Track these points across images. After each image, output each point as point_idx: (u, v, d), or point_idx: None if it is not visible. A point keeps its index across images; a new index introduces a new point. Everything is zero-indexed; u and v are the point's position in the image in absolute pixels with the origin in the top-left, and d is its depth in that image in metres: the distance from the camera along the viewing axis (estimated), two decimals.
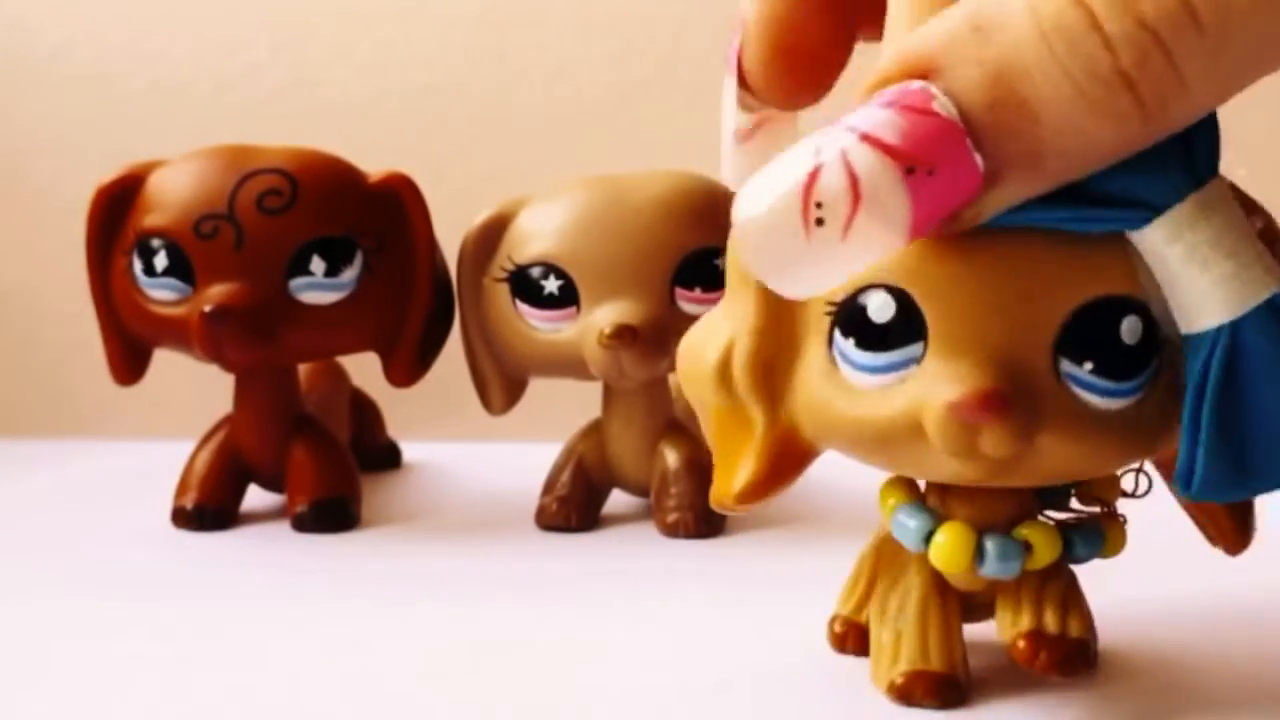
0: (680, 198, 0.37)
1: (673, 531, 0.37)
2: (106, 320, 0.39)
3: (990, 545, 0.22)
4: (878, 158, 0.18)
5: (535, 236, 0.37)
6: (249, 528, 0.39)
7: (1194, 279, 0.19)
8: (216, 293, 0.36)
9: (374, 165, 0.39)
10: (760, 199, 0.18)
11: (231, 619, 0.30)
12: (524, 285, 0.37)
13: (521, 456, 0.43)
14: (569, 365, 0.37)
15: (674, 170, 0.38)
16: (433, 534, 0.38)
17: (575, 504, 0.39)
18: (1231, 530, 0.23)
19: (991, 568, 0.23)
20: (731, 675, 0.25)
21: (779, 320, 0.22)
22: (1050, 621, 0.23)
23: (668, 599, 0.31)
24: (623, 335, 0.35)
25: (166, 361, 0.40)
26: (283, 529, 0.39)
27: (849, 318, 0.21)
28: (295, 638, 0.28)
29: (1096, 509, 0.24)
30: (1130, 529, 0.24)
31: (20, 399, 0.60)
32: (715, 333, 0.23)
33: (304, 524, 0.38)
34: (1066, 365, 0.20)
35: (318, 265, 0.37)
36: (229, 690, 0.25)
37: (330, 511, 0.39)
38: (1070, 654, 0.22)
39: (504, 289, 0.37)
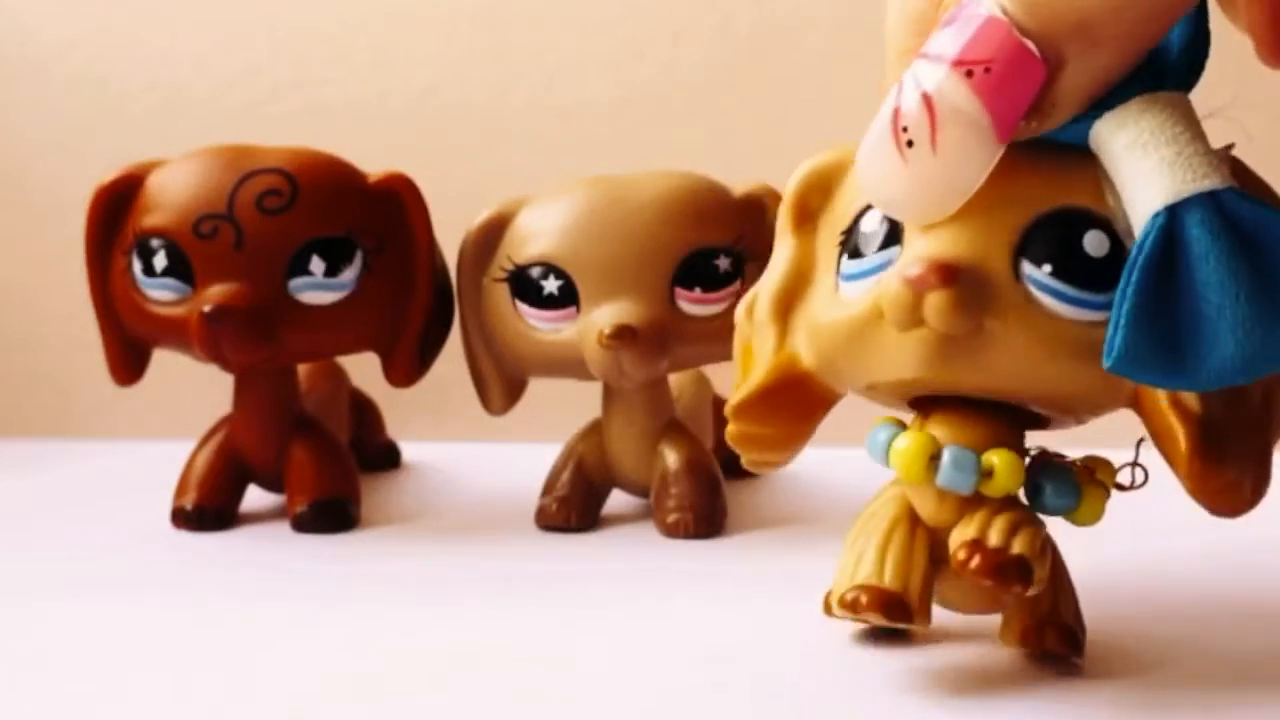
0: (680, 198, 0.37)
1: (673, 531, 0.37)
2: (106, 320, 0.39)
3: (947, 454, 0.23)
4: (938, 69, 0.20)
5: (535, 236, 0.37)
6: (249, 528, 0.39)
7: (1137, 163, 0.20)
8: (216, 293, 0.36)
9: (374, 165, 0.39)
10: (867, 138, 0.21)
11: (231, 619, 0.30)
12: (524, 285, 0.37)
13: (521, 456, 0.43)
14: (569, 365, 0.37)
15: (674, 170, 0.38)
16: (433, 534, 0.38)
17: (575, 504, 0.38)
18: (1187, 461, 0.22)
19: (946, 476, 0.23)
20: (731, 675, 0.25)
21: (803, 266, 0.25)
22: (994, 537, 0.23)
23: (668, 599, 0.31)
24: (623, 335, 0.35)
25: (166, 361, 0.40)
26: (282, 529, 0.39)
27: (849, 236, 0.24)
28: (295, 638, 0.28)
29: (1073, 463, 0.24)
30: (1126, 524, 0.24)
31: (20, 399, 0.60)
32: (762, 279, 0.26)
33: (304, 524, 0.38)
34: (1027, 267, 0.22)
35: (317, 265, 0.37)
36: (229, 690, 0.25)
37: (330, 512, 0.39)
38: (1005, 564, 0.22)
39: (504, 289, 0.37)
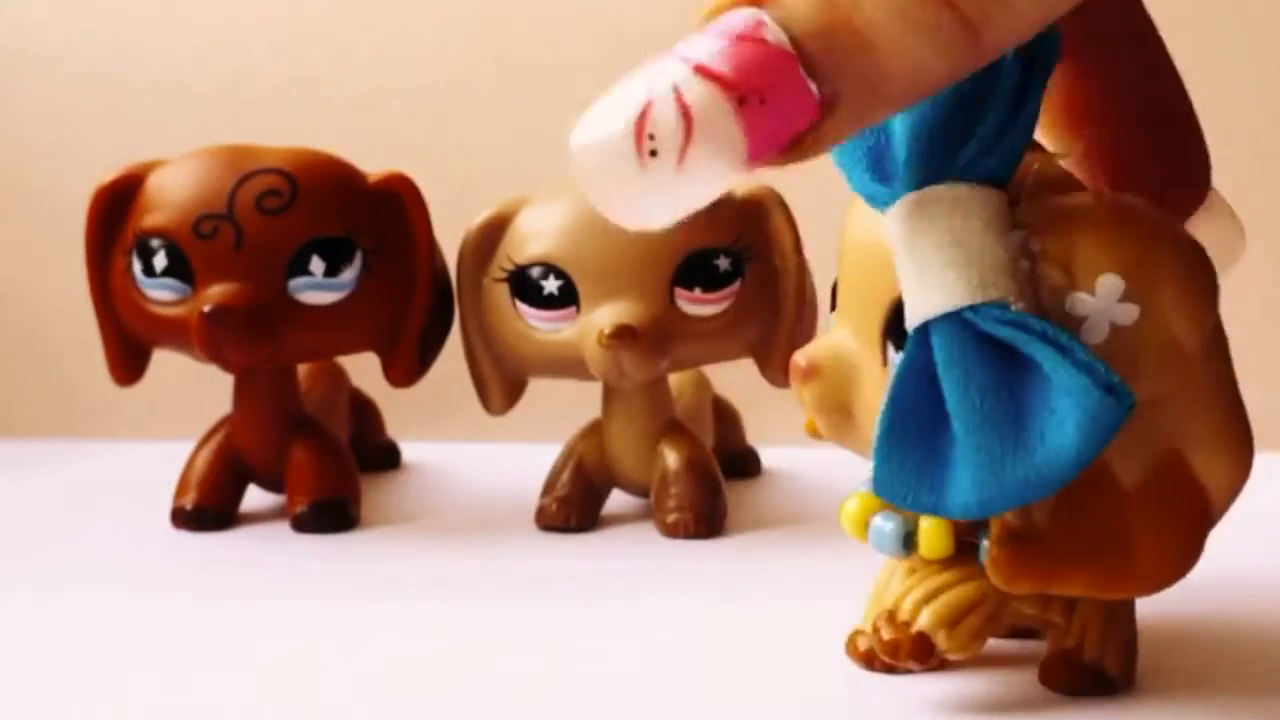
0: None
1: (673, 531, 0.37)
2: (106, 320, 0.39)
3: (873, 522, 0.23)
4: (709, 89, 0.18)
5: (535, 237, 0.37)
6: (249, 528, 0.39)
7: (899, 265, 0.20)
8: (216, 293, 0.36)
9: (374, 165, 0.39)
10: (594, 130, 0.18)
11: (231, 619, 0.30)
12: (523, 285, 0.37)
13: (521, 456, 0.43)
14: (569, 365, 0.37)
15: None
16: (433, 534, 0.38)
17: (575, 504, 0.38)
18: (994, 549, 0.21)
19: (874, 543, 0.23)
20: (732, 675, 0.25)
21: None
22: (906, 608, 0.23)
23: (668, 599, 0.31)
24: (623, 335, 0.35)
25: (166, 361, 0.40)
26: (282, 529, 0.39)
27: None
28: (295, 638, 0.28)
29: None
30: None
31: (20, 399, 0.60)
32: None
33: (304, 524, 0.38)
34: (891, 352, 0.22)
35: (317, 265, 0.37)
36: (229, 690, 0.25)
37: (330, 512, 0.39)
38: (898, 643, 0.23)
39: (503, 289, 0.37)
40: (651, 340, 0.35)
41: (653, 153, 0.18)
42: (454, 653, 0.27)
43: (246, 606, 0.31)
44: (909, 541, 0.23)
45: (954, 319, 0.19)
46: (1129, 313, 0.20)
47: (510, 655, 0.27)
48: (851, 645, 0.25)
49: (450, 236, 0.39)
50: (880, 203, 0.21)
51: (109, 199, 0.38)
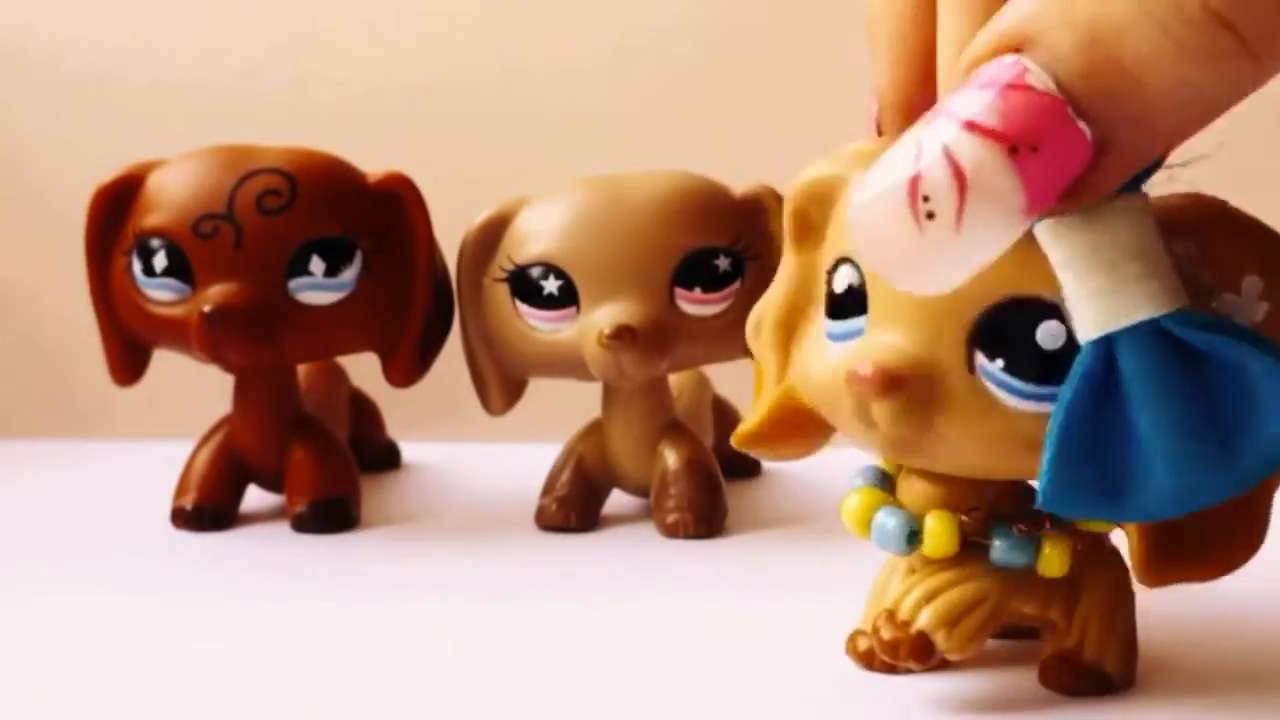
0: (680, 198, 0.36)
1: (673, 532, 0.37)
2: (106, 320, 0.39)
3: (876, 518, 0.23)
4: (979, 143, 0.18)
5: (535, 237, 0.37)
6: (248, 528, 0.39)
7: (1069, 285, 0.19)
8: (216, 293, 0.36)
9: (374, 165, 0.39)
10: (870, 197, 0.18)
11: (231, 619, 0.30)
12: (523, 285, 0.37)
13: (521, 457, 0.43)
14: (569, 365, 0.37)
15: (674, 170, 0.38)
16: (433, 534, 0.38)
17: (575, 504, 0.38)
18: (1140, 555, 0.22)
19: (876, 540, 0.23)
20: (732, 675, 0.25)
21: (805, 284, 0.24)
22: (906, 607, 0.23)
23: (668, 599, 0.31)
24: (623, 335, 0.35)
25: (166, 361, 0.40)
26: (282, 529, 0.39)
27: (828, 288, 0.23)
28: (295, 638, 0.28)
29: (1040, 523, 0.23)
30: None
31: (20, 399, 0.60)
32: (768, 293, 0.25)
33: (304, 524, 0.38)
34: (980, 359, 0.21)
35: (317, 265, 0.37)
36: (229, 690, 0.25)
37: (330, 512, 0.39)
38: (898, 643, 0.22)
39: (504, 289, 0.37)
40: (651, 340, 0.35)
41: (929, 215, 0.18)
42: (454, 653, 0.27)
43: (246, 606, 0.31)
44: (913, 538, 0.23)
45: (1147, 328, 0.19)
46: (1261, 310, 0.20)
47: (510, 655, 0.27)
48: (851, 645, 0.25)
49: (450, 236, 0.39)
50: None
51: (109, 199, 0.38)
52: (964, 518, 0.23)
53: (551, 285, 0.36)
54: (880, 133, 0.23)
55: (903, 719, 0.23)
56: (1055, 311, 0.20)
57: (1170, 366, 0.19)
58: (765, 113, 0.55)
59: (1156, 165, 0.20)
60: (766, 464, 0.46)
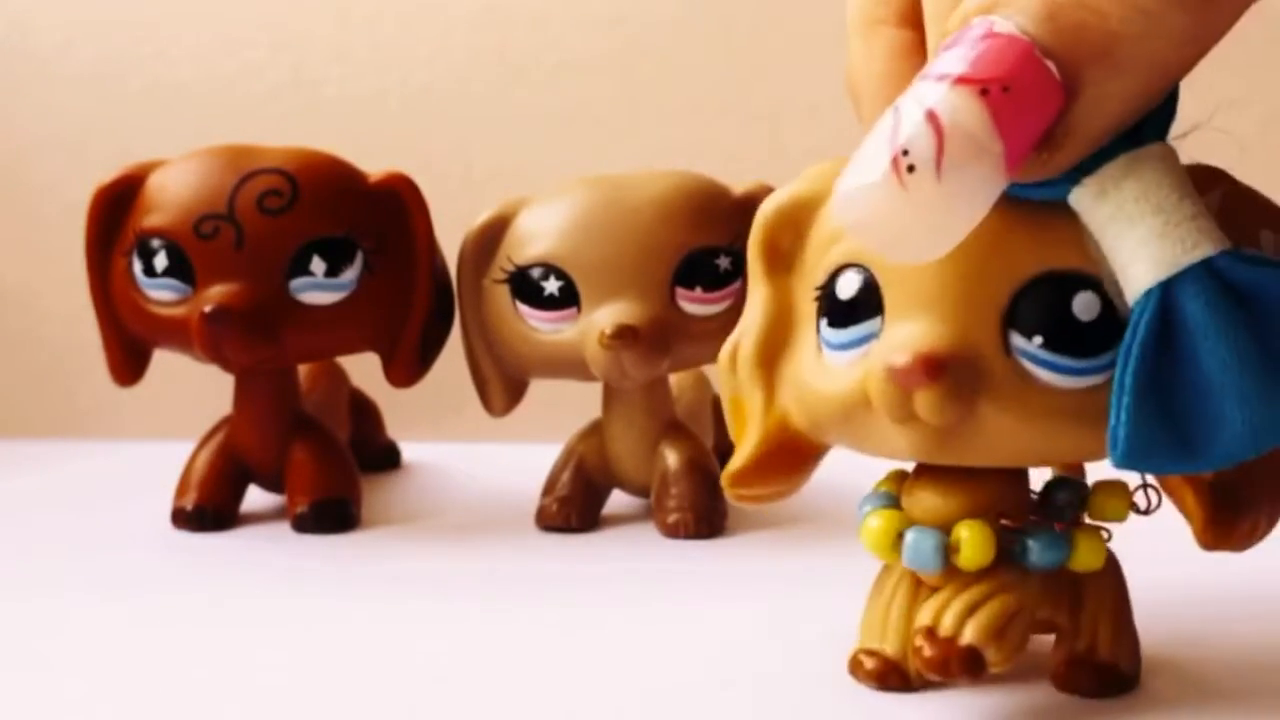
0: (680, 198, 0.36)
1: (673, 532, 0.37)
2: (106, 321, 0.39)
3: (909, 537, 0.23)
4: (951, 89, 0.18)
5: (535, 237, 0.37)
6: (249, 528, 0.39)
7: (1122, 235, 0.19)
8: (216, 293, 0.36)
9: (374, 165, 0.39)
10: (853, 168, 0.19)
11: (231, 619, 0.30)
12: (524, 286, 0.37)
13: (521, 457, 0.43)
14: (570, 366, 0.37)
15: (674, 170, 0.38)
16: (433, 534, 0.38)
17: (575, 504, 0.38)
18: (1201, 517, 0.22)
19: (909, 559, 0.23)
20: (732, 675, 0.25)
21: (782, 312, 0.24)
22: (948, 622, 0.22)
23: (668, 599, 0.31)
24: (624, 335, 0.35)
25: (166, 362, 0.40)
26: (283, 529, 0.39)
27: (826, 299, 0.22)
28: (295, 638, 0.28)
29: (1063, 519, 0.23)
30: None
31: (20, 399, 0.60)
32: (740, 326, 0.24)
33: (304, 524, 0.38)
34: (1017, 339, 0.21)
35: (318, 265, 0.37)
36: (229, 690, 0.25)
37: (330, 512, 0.39)
38: (949, 659, 0.21)
39: (504, 290, 0.37)
40: (652, 340, 0.35)
41: (910, 168, 0.18)
42: (454, 653, 0.27)
43: (246, 606, 0.31)
44: (948, 554, 0.22)
45: (1202, 270, 0.19)
46: None
47: (510, 655, 0.27)
48: (857, 667, 0.24)
49: (450, 236, 0.39)
50: (1082, 171, 0.20)
51: (109, 199, 0.38)
52: (1005, 522, 0.23)
53: (552, 286, 0.36)
54: None
55: (902, 716, 0.23)
56: (1088, 282, 0.20)
57: (1228, 302, 0.19)
58: (765, 112, 0.55)
59: (1170, 115, 0.20)
60: None
